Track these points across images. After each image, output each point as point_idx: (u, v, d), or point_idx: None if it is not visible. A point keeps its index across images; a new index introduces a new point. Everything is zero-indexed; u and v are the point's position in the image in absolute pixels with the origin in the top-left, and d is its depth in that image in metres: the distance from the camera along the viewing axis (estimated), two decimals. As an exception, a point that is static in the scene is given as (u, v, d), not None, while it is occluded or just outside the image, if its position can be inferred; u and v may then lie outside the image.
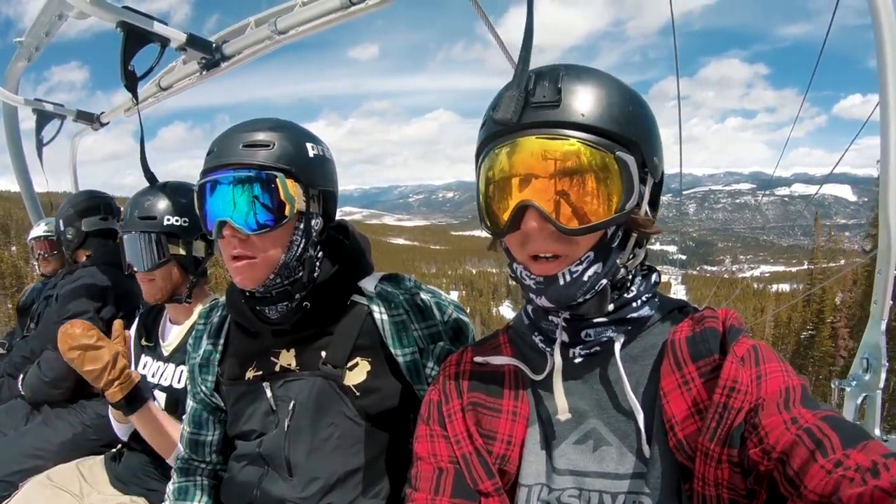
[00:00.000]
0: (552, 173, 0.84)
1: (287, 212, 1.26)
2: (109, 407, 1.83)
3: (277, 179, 1.24)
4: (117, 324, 1.82)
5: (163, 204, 1.89)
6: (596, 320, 0.94)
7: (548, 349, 0.98)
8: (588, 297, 0.91)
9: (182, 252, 1.92)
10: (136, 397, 1.72)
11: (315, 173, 1.32)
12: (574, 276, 0.88)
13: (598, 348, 0.95)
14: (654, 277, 1.00)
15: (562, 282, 0.88)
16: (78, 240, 2.73)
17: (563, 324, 0.95)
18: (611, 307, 0.93)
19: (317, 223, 1.36)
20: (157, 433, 1.79)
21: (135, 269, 1.92)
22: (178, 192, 1.92)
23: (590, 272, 0.88)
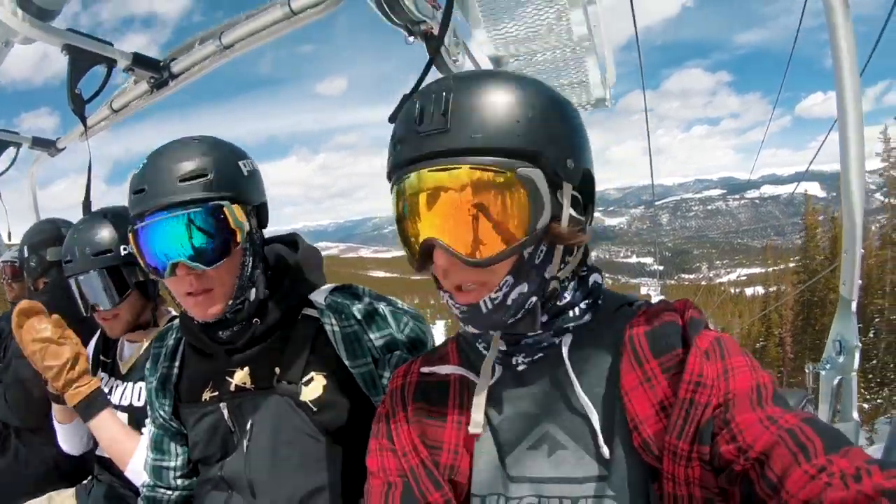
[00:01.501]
0: (451, 206, 0.80)
1: (238, 238, 1.23)
2: (53, 407, 1.78)
3: (224, 209, 1.21)
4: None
5: (114, 234, 1.81)
6: (531, 333, 0.91)
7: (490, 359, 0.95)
8: (518, 317, 0.87)
9: (142, 278, 1.85)
10: (93, 403, 1.67)
11: (251, 191, 1.29)
12: (495, 302, 0.84)
13: (541, 354, 0.92)
14: (593, 279, 0.95)
15: (484, 310, 0.85)
16: (41, 268, 2.64)
17: (500, 335, 0.92)
18: (544, 318, 0.90)
19: (258, 237, 1.34)
20: (113, 441, 1.72)
21: (99, 307, 1.83)
22: (121, 219, 1.84)
23: (513, 295, 0.84)
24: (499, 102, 0.80)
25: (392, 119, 0.84)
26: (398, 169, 0.84)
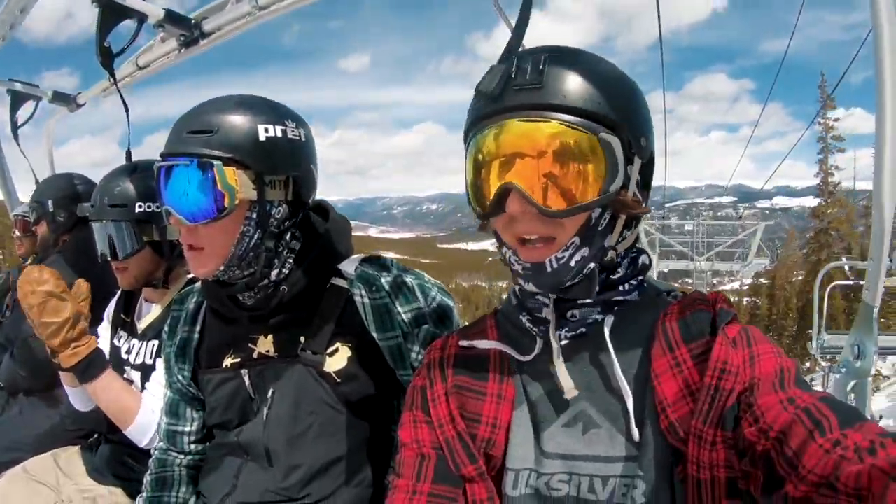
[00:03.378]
0: (534, 155, 0.84)
1: (226, 202, 1.19)
2: (60, 372, 1.73)
3: (214, 169, 1.17)
4: (82, 284, 1.69)
5: (133, 189, 1.79)
6: (582, 301, 0.93)
7: (535, 329, 0.97)
8: (576, 281, 0.90)
9: (156, 238, 1.84)
10: (93, 363, 1.63)
11: (271, 159, 1.23)
12: (561, 262, 0.87)
13: (583, 330, 0.94)
14: (642, 259, 0.98)
15: (549, 269, 0.87)
16: (70, 223, 2.62)
17: (550, 304, 0.94)
18: (597, 288, 0.92)
19: (279, 211, 1.28)
20: (114, 402, 1.69)
21: (108, 258, 1.84)
22: (149, 175, 1.81)
23: (577, 257, 0.87)
24: (592, 71, 0.86)
25: (482, 83, 0.87)
26: (486, 118, 0.87)
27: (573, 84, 0.84)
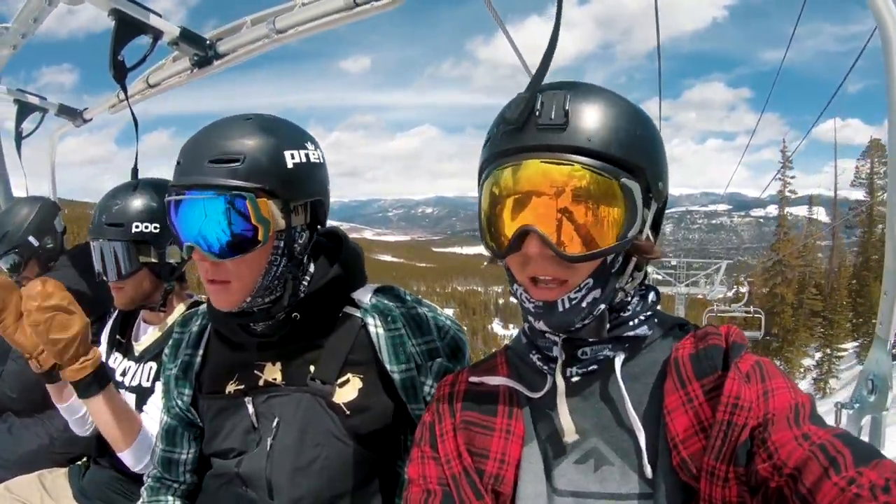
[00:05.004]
0: (555, 198, 0.83)
1: (261, 236, 1.14)
2: (49, 388, 1.68)
3: (248, 202, 1.12)
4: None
5: (132, 209, 1.77)
6: (592, 339, 0.93)
7: (545, 367, 0.96)
8: (586, 322, 0.90)
9: (154, 260, 1.81)
10: (99, 377, 1.55)
11: (297, 185, 1.19)
12: (573, 302, 0.87)
13: (595, 367, 0.94)
14: (651, 296, 0.98)
15: (561, 308, 0.88)
16: (60, 241, 2.53)
17: (560, 343, 0.94)
18: (608, 327, 0.92)
19: (302, 236, 1.26)
20: (114, 421, 1.60)
21: (104, 277, 1.81)
22: (150, 195, 1.80)
23: (588, 298, 0.87)
24: (613, 115, 0.85)
25: (506, 111, 0.86)
26: (507, 155, 0.86)
27: (597, 126, 0.83)
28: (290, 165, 1.18)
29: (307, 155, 1.22)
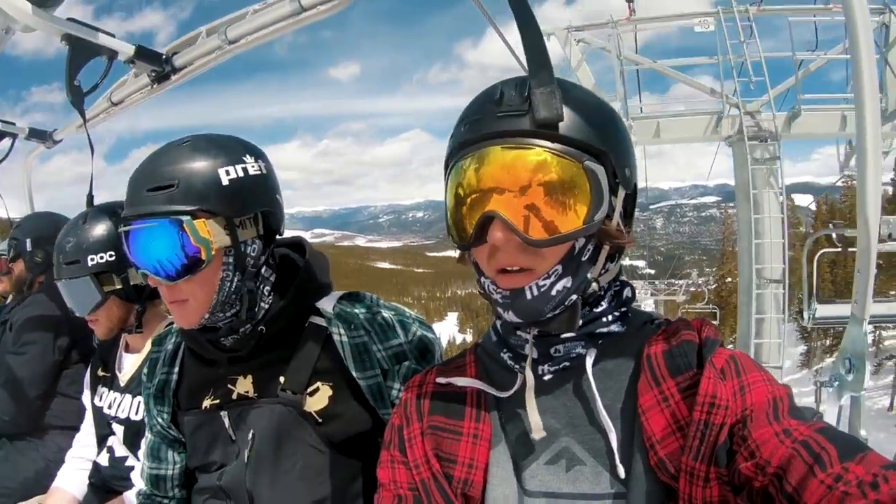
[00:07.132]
0: (517, 184, 0.81)
1: (204, 255, 1.16)
2: None
3: (185, 224, 1.14)
4: None
5: (85, 243, 1.77)
6: (565, 336, 0.90)
7: (516, 366, 0.94)
8: (557, 312, 0.87)
9: (118, 286, 1.82)
10: None
11: (237, 200, 1.20)
12: (542, 290, 0.84)
13: (567, 364, 0.91)
14: (626, 292, 0.96)
15: (529, 296, 0.85)
16: (45, 265, 2.57)
17: (532, 340, 0.91)
18: (580, 322, 0.90)
19: (253, 249, 1.27)
20: None
21: (75, 313, 1.84)
22: (102, 223, 1.80)
23: (558, 286, 0.85)
24: (575, 99, 0.85)
25: (465, 110, 0.87)
26: (469, 144, 0.85)
27: (558, 112, 0.81)
28: (225, 182, 1.19)
29: (245, 169, 1.23)
